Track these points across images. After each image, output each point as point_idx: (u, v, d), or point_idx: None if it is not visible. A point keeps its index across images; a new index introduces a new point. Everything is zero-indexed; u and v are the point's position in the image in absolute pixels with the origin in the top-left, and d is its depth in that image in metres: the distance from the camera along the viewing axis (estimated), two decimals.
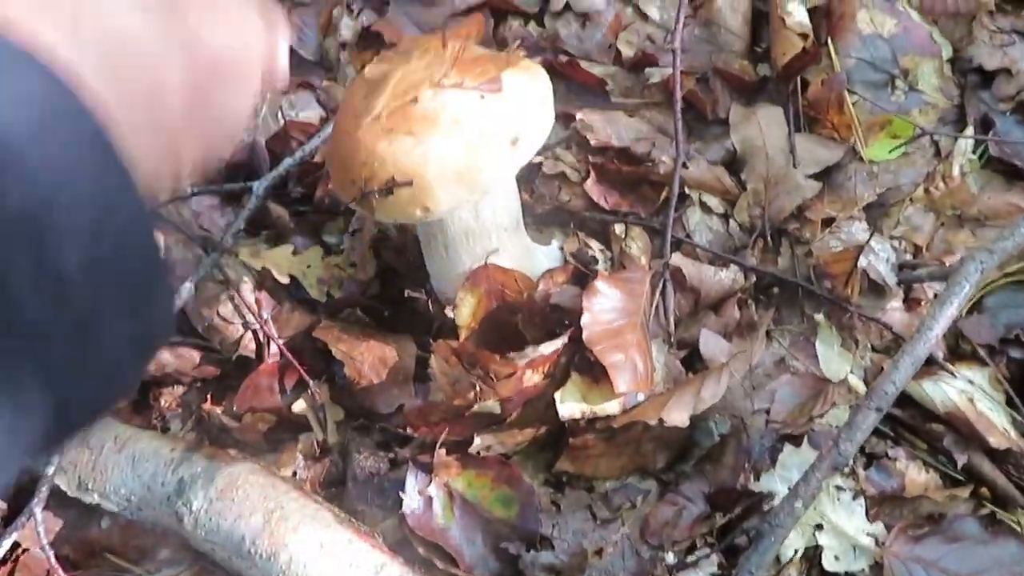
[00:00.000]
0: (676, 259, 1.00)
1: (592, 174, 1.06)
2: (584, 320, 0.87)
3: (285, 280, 1.02)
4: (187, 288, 0.98)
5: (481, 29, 1.09)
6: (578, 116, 1.09)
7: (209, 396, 1.02)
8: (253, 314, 0.99)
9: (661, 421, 0.87)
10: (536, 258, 0.97)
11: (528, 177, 1.07)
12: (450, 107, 0.74)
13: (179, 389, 1.04)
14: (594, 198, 1.05)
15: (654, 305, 0.97)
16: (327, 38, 1.21)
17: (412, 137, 0.74)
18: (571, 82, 1.16)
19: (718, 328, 1.00)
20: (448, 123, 0.74)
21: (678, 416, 0.89)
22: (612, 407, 0.90)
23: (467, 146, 0.74)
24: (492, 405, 0.85)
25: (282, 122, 1.15)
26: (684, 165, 1.02)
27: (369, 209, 0.75)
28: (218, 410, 0.99)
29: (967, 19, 1.12)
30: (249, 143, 1.13)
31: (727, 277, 0.99)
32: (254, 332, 0.99)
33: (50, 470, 0.90)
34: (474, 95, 0.75)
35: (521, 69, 0.80)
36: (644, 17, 1.19)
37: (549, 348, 0.88)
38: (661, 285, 0.98)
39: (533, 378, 0.87)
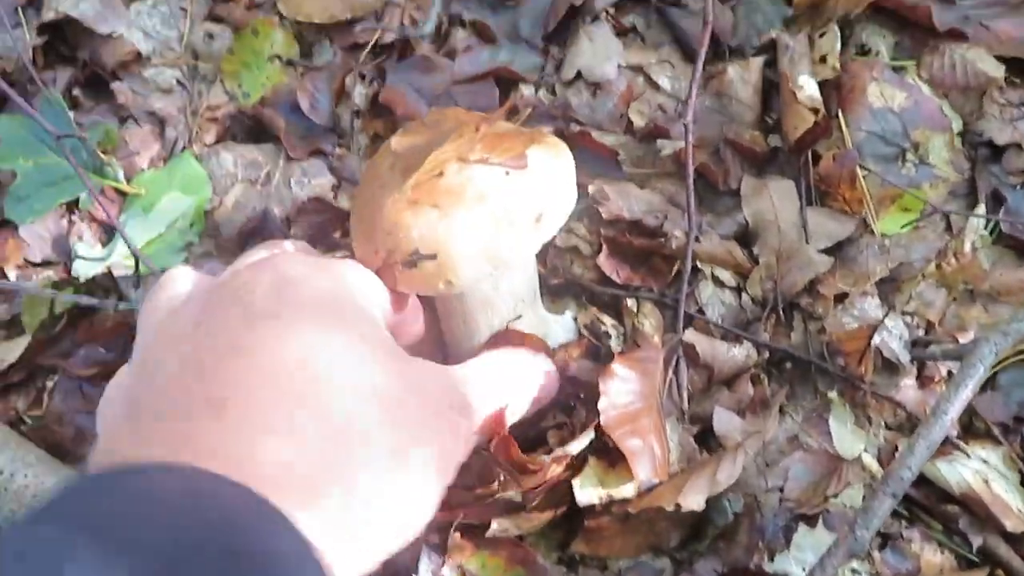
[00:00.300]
0: (689, 336, 0.99)
1: (604, 247, 1.06)
2: (601, 405, 0.87)
3: None
4: None
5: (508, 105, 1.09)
6: (590, 188, 1.09)
7: None
8: None
9: (678, 507, 0.87)
10: (551, 328, 0.97)
11: (542, 249, 1.07)
12: (476, 182, 0.74)
13: None
14: (606, 272, 1.05)
15: (667, 383, 0.97)
16: (339, 105, 1.21)
17: (438, 210, 0.73)
18: (583, 151, 1.16)
19: (731, 405, 1.00)
20: (473, 198, 0.73)
21: (694, 500, 0.89)
22: (628, 490, 0.89)
23: (492, 221, 0.74)
24: (513, 494, 0.85)
25: (297, 191, 1.15)
26: (696, 239, 1.03)
27: (392, 280, 0.74)
28: None
29: (977, 93, 1.13)
30: (261, 211, 1.14)
31: (740, 353, 0.99)
32: None
33: None
34: (499, 171, 0.75)
35: (546, 146, 0.80)
36: (656, 87, 1.19)
37: (576, 447, 0.88)
38: (675, 362, 0.98)
39: (556, 470, 0.87)
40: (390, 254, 0.73)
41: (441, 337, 0.94)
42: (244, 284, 0.58)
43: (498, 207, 0.73)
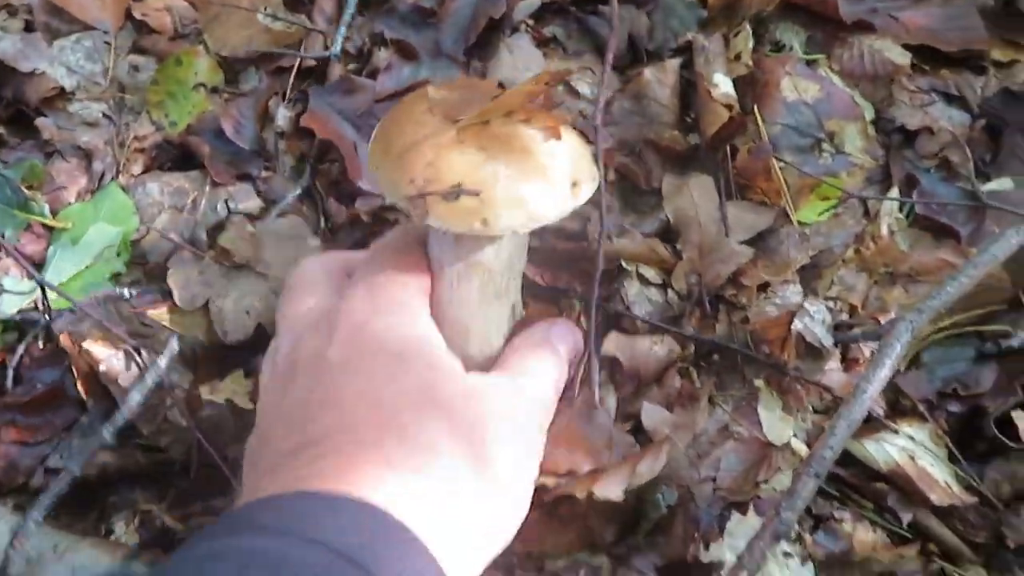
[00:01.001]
0: (609, 340, 1.00)
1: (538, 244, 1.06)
2: None
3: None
4: (135, 399, 0.97)
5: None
6: None
7: (155, 497, 1.01)
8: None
9: (591, 495, 0.87)
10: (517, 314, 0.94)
11: None
12: (521, 136, 0.75)
13: (124, 491, 1.03)
14: (529, 275, 1.05)
15: (579, 382, 0.97)
16: (264, 129, 1.22)
17: (485, 153, 0.74)
18: None
19: (660, 400, 1.01)
20: (519, 149, 0.75)
21: (612, 491, 0.89)
22: (548, 480, 0.90)
23: (536, 173, 0.75)
24: None
25: (223, 214, 1.15)
26: (609, 238, 1.04)
27: (422, 210, 0.73)
28: (163, 512, 0.98)
29: (886, 81, 1.15)
30: (188, 237, 1.14)
31: (662, 350, 1.00)
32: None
33: None
34: (539, 134, 0.77)
35: (573, 130, 0.82)
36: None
37: None
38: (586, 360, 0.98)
39: None
40: (428, 183, 0.72)
41: None
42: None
43: (542, 162, 0.75)
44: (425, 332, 0.76)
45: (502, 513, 0.71)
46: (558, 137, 0.77)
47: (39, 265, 1.17)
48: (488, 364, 0.83)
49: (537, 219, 0.75)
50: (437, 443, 0.66)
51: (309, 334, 0.74)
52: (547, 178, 0.74)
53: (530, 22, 1.28)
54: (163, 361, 0.99)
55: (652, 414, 0.99)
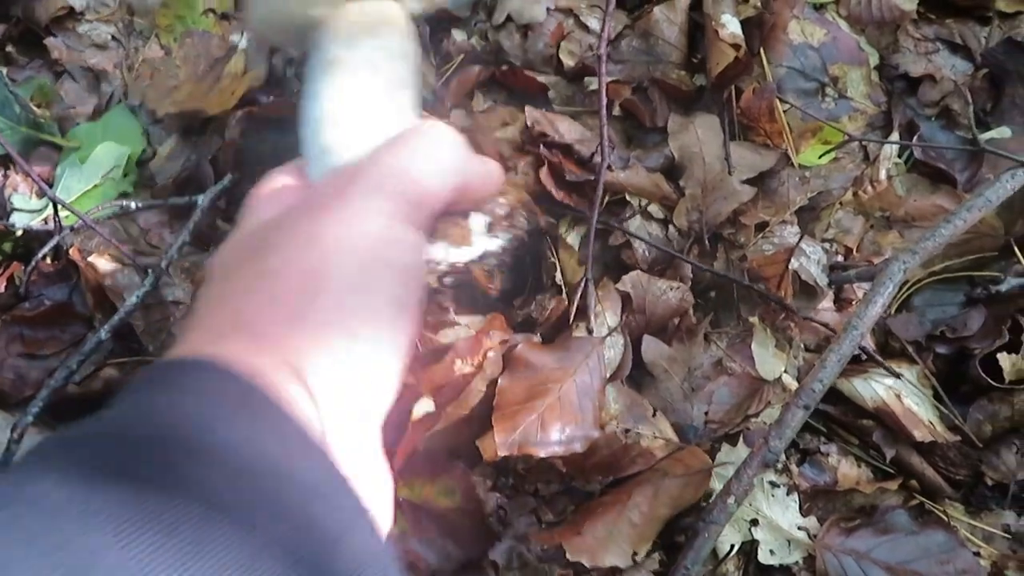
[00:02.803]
0: (629, 277, 1.02)
1: (546, 165, 1.07)
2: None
3: None
4: (131, 303, 0.99)
5: None
6: (527, 112, 1.11)
7: None
8: None
9: None
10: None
11: None
12: None
13: None
14: (547, 186, 1.06)
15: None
16: (273, 56, 1.22)
17: None
18: (515, 90, 1.20)
19: (663, 335, 1.04)
20: None
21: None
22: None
23: None
24: (427, 404, 0.87)
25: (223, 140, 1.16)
26: (609, 168, 1.05)
27: None
28: None
29: (892, 28, 1.16)
30: (195, 161, 1.15)
31: (675, 296, 1.02)
32: None
33: None
34: None
35: None
36: (585, 28, 1.21)
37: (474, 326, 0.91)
38: (583, 291, 1.00)
39: (463, 368, 0.89)
40: None
41: None
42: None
43: None
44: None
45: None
46: None
47: (48, 183, 1.19)
48: (351, 157, 0.65)
49: None
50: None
51: None
52: None
53: None
54: (164, 262, 1.01)
55: (652, 347, 1.02)
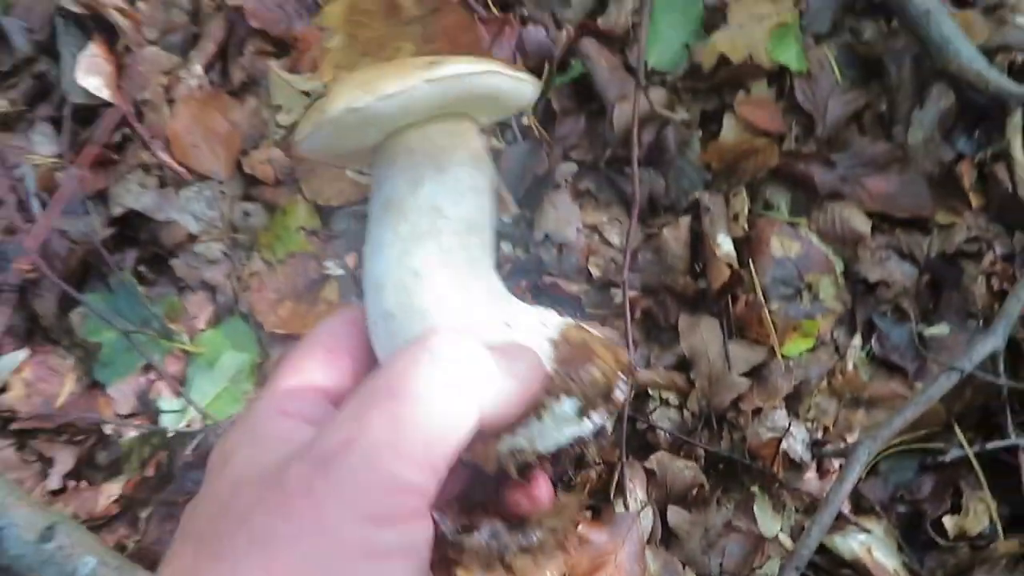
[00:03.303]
0: (655, 456, 1.31)
1: None
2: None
3: None
4: None
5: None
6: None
7: None
8: None
9: None
10: (518, 321, 0.63)
11: None
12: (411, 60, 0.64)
13: None
14: None
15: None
16: (357, 267, 1.52)
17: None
18: (554, 297, 1.50)
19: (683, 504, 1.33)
20: (397, 63, 0.64)
21: None
22: None
23: (391, 66, 0.63)
24: None
25: None
26: (636, 370, 1.35)
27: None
28: None
29: (853, 242, 1.47)
30: None
31: (690, 473, 1.31)
32: None
33: None
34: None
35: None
36: (608, 243, 1.52)
37: None
38: (619, 472, 1.29)
39: None
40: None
41: None
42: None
43: (406, 60, 0.63)
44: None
45: None
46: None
47: (180, 382, 1.47)
48: (415, 319, 0.60)
49: (374, 91, 0.58)
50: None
51: None
52: (403, 64, 0.61)
53: (569, 179, 1.58)
54: None
55: (675, 514, 1.31)
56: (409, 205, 0.62)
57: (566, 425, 0.58)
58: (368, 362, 0.62)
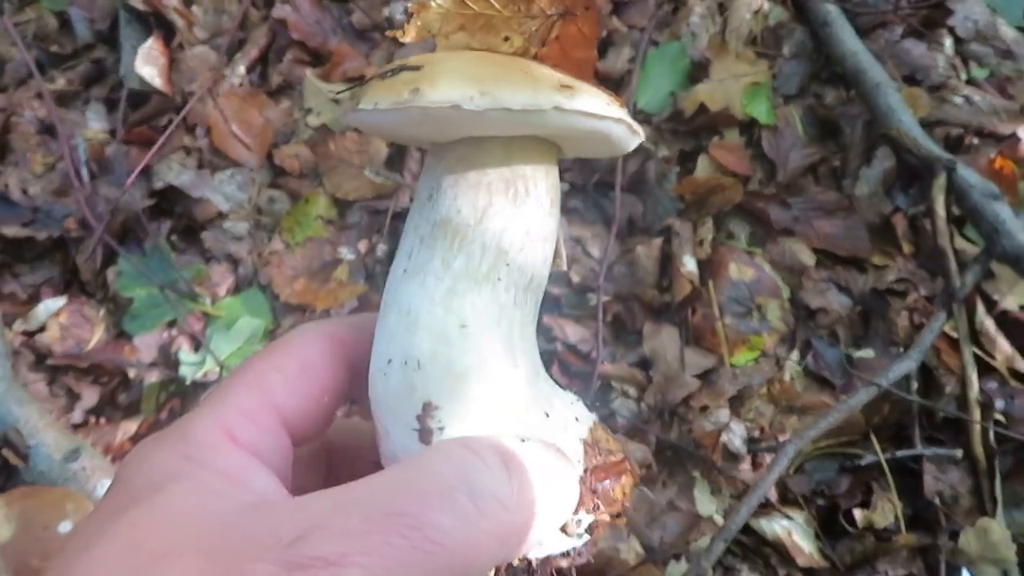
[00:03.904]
0: None
1: (555, 362, 1.58)
2: None
3: None
4: None
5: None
6: (544, 319, 1.61)
7: None
8: None
9: None
10: (555, 409, 0.57)
11: None
12: (527, 63, 0.58)
13: None
14: (556, 379, 1.56)
15: None
16: (367, 256, 1.72)
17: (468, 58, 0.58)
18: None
19: None
20: (513, 62, 0.57)
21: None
22: None
23: (509, 65, 0.55)
24: None
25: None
26: (602, 362, 1.55)
27: (356, 99, 0.55)
28: None
29: (799, 272, 1.69)
30: None
31: (640, 452, 1.51)
32: None
33: None
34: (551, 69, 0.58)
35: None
36: (589, 255, 1.73)
37: None
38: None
39: None
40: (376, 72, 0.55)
41: None
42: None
43: (527, 65, 0.55)
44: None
45: None
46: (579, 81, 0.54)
47: (199, 341, 1.66)
48: (449, 380, 0.52)
49: (495, 98, 0.50)
50: None
51: None
52: (526, 71, 0.53)
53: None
54: None
55: None
56: (471, 236, 0.54)
57: (569, 538, 0.53)
58: (343, 390, 0.55)
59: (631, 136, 0.57)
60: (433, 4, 0.58)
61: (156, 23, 1.86)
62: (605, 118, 0.53)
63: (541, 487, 0.48)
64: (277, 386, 0.52)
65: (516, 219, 0.55)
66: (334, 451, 0.61)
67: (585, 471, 0.54)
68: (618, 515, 0.55)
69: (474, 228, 0.54)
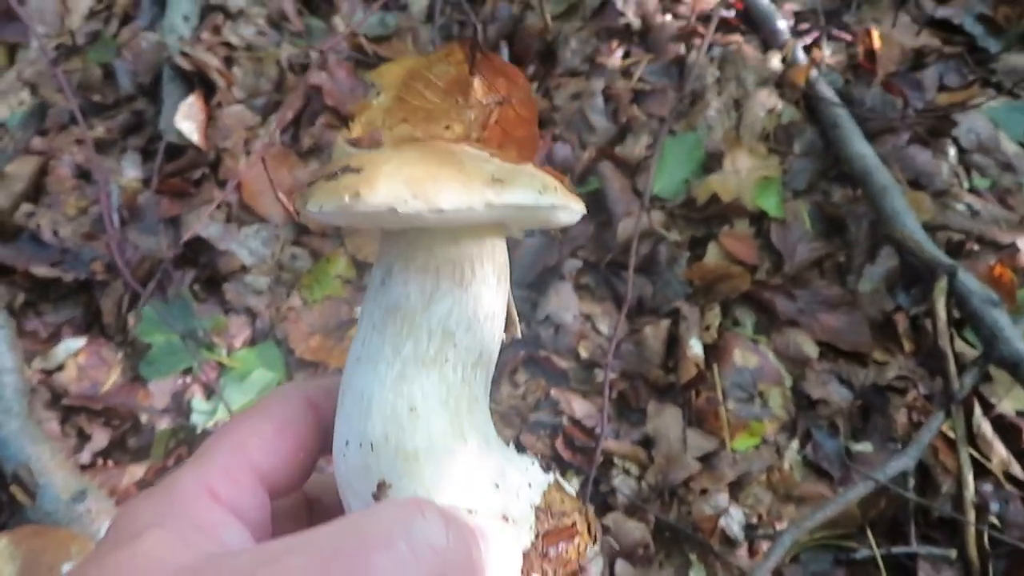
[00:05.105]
0: (611, 516, 1.53)
1: (562, 435, 1.61)
2: None
3: None
4: None
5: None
6: (552, 393, 1.65)
7: None
8: None
9: None
10: (508, 472, 0.60)
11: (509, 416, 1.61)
12: (459, 150, 0.62)
13: None
14: (559, 451, 1.59)
15: None
16: None
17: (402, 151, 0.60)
18: (546, 369, 1.74)
19: (627, 559, 1.54)
20: (443, 151, 0.61)
21: None
22: None
23: (443, 161, 0.57)
24: None
25: None
26: (605, 439, 1.58)
27: (303, 200, 0.59)
28: None
29: (802, 363, 1.74)
30: None
31: (639, 531, 1.53)
32: None
33: None
34: (486, 153, 0.63)
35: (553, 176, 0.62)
36: (598, 332, 1.78)
37: None
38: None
39: None
40: (319, 171, 0.59)
41: None
42: None
43: (460, 159, 0.57)
44: None
45: None
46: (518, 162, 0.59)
47: (212, 390, 1.69)
48: (400, 461, 0.56)
49: (428, 200, 0.53)
50: None
51: None
52: (460, 167, 0.55)
53: (572, 273, 1.85)
54: None
55: (623, 567, 1.52)
56: (418, 322, 0.57)
57: None
58: (317, 447, 0.60)
59: (570, 213, 0.61)
60: (374, 102, 0.61)
61: (198, 81, 1.94)
62: (539, 208, 0.56)
63: (478, 547, 0.52)
64: (255, 446, 0.57)
65: (462, 301, 0.58)
66: (314, 504, 0.67)
67: (537, 536, 0.57)
68: (574, 574, 0.57)
69: (421, 313, 0.57)
